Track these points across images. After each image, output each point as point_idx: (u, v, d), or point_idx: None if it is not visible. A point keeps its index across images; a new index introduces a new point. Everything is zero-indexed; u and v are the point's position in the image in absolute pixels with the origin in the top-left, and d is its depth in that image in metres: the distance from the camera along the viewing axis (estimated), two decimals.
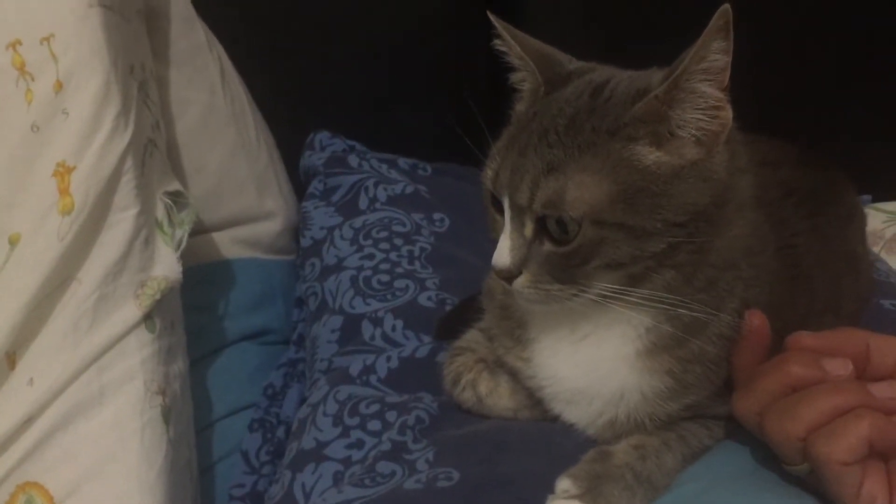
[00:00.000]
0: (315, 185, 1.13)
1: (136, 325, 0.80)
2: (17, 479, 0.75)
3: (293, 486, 0.77)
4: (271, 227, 1.12)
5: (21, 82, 0.79)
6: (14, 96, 0.79)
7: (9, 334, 0.75)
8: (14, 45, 0.79)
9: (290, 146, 1.21)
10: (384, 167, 1.16)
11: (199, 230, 1.02)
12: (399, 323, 0.93)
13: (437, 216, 1.09)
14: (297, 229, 1.13)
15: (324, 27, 1.29)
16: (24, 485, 0.75)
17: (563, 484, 0.65)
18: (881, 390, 0.61)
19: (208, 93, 1.06)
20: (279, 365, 1.05)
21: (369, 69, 1.31)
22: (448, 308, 0.95)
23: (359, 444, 0.78)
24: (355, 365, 0.88)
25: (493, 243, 0.67)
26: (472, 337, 0.82)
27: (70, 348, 0.77)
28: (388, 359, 0.88)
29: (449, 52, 1.34)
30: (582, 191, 0.62)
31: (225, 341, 1.03)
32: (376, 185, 1.10)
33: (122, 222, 0.81)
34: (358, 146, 1.19)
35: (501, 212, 0.67)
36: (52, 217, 0.77)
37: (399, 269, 0.99)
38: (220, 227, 1.07)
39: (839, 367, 0.62)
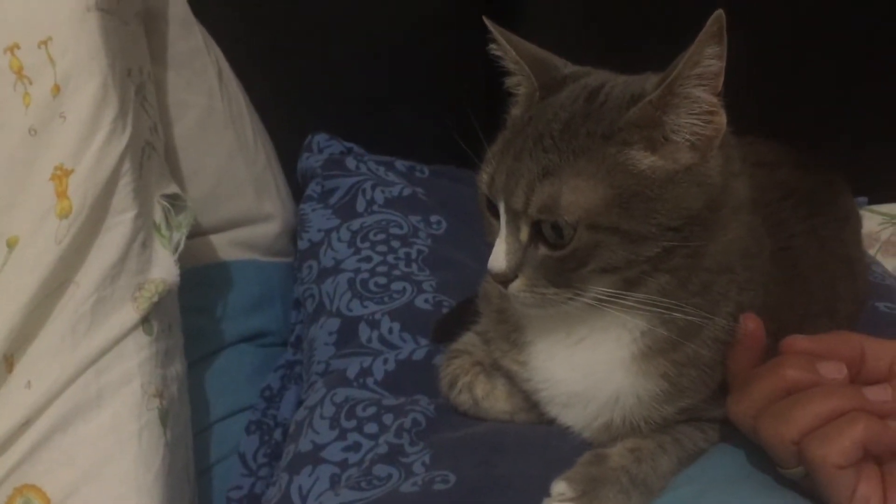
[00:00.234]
0: (313, 188, 1.13)
1: (133, 328, 0.80)
2: (15, 482, 0.75)
3: (290, 489, 0.77)
4: (269, 230, 1.12)
5: (19, 86, 0.79)
6: (12, 100, 0.79)
7: (6, 337, 0.75)
8: (12, 48, 0.79)
9: (287, 148, 1.21)
10: (381, 169, 1.16)
11: (197, 232, 1.02)
12: (396, 325, 0.93)
13: (434, 219, 1.09)
14: (294, 231, 1.13)
15: (322, 29, 1.29)
16: (22, 487, 0.75)
17: (559, 487, 0.65)
18: (875, 394, 0.61)
19: (206, 95, 1.06)
20: (276, 367, 1.05)
21: (367, 71, 1.31)
22: (445, 310, 0.95)
23: (355, 447, 0.78)
24: (352, 367, 0.88)
25: (489, 247, 0.67)
26: (468, 340, 0.83)
27: (68, 351, 0.77)
28: (385, 361, 0.88)
29: (447, 54, 1.34)
30: (577, 195, 0.62)
31: (223, 343, 1.03)
32: (374, 187, 1.10)
33: (119, 225, 0.81)
34: (356, 148, 1.19)
35: (497, 216, 0.67)
36: (49, 220, 0.77)
37: (396, 272, 0.99)
38: (218, 229, 1.07)
39: (834, 371, 0.62)
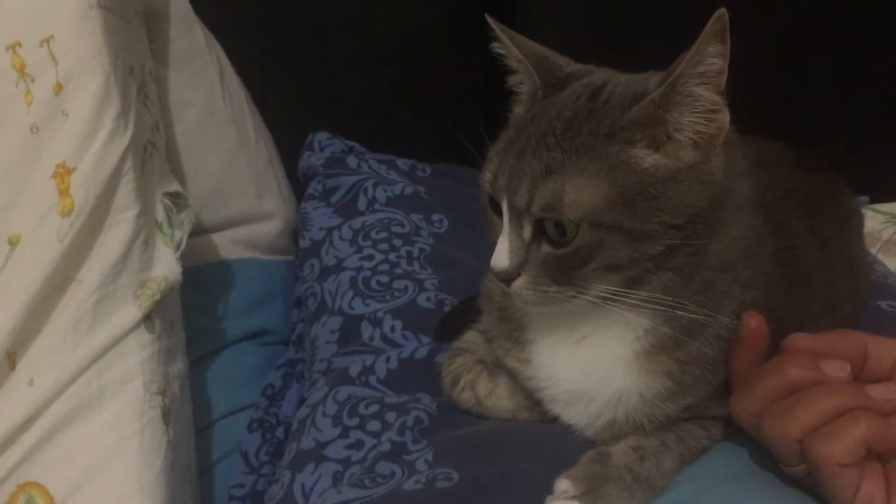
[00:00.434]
0: (314, 186, 1.13)
1: (135, 326, 0.80)
2: (18, 480, 0.75)
3: (293, 487, 0.77)
4: (271, 228, 1.12)
5: (21, 84, 0.79)
6: (14, 98, 0.79)
7: (9, 335, 0.75)
8: (14, 46, 0.79)
9: (289, 147, 1.21)
10: (383, 168, 1.16)
11: (199, 231, 1.02)
12: (398, 324, 0.93)
13: (435, 217, 1.09)
14: (296, 230, 1.13)
15: (323, 28, 1.29)
16: (25, 485, 0.75)
17: (562, 485, 0.65)
18: (878, 392, 0.61)
19: (207, 94, 1.06)
20: (278, 365, 1.05)
21: (368, 70, 1.31)
22: (447, 309, 0.95)
23: (358, 445, 0.78)
24: (354, 365, 0.88)
25: (492, 245, 0.67)
26: (470, 338, 0.83)
27: (70, 349, 0.77)
28: (388, 359, 0.88)
29: (448, 53, 1.34)
30: (580, 193, 0.62)
31: (224, 342, 1.03)
32: (375, 185, 1.10)
33: (121, 223, 0.81)
34: (357, 147, 1.19)
35: (500, 214, 0.67)
36: (51, 218, 0.77)
37: (398, 270, 0.99)
38: (220, 227, 1.07)
39: (837, 369, 0.62)
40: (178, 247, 0.87)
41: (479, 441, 0.75)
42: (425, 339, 0.92)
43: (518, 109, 0.72)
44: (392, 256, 1.01)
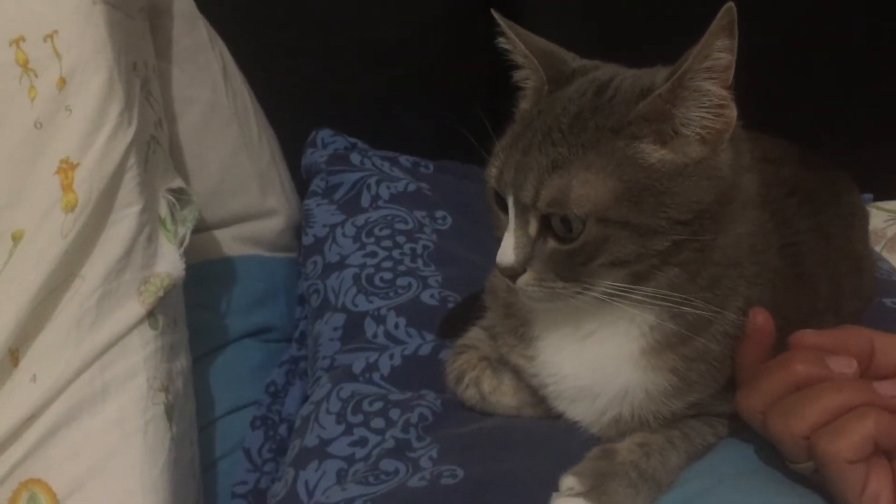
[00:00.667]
0: (317, 183, 1.13)
1: (139, 323, 0.80)
2: (21, 476, 0.75)
3: (296, 484, 0.77)
4: (274, 225, 1.12)
5: (24, 79, 0.79)
6: (17, 93, 0.79)
7: (12, 331, 0.75)
8: (17, 41, 0.79)
9: (291, 144, 1.21)
10: (386, 165, 1.16)
11: (202, 227, 1.02)
12: (402, 321, 0.93)
13: (439, 214, 1.09)
14: (299, 227, 1.13)
15: (326, 25, 1.28)
16: (28, 482, 0.75)
17: (568, 481, 0.65)
18: (886, 388, 0.61)
19: (210, 90, 1.06)
20: (281, 362, 1.05)
21: (371, 67, 1.31)
22: (451, 306, 0.95)
23: (362, 442, 0.78)
24: (358, 363, 0.88)
25: (498, 241, 0.67)
26: (475, 335, 0.82)
27: (73, 345, 0.77)
28: (391, 356, 0.88)
29: (450, 50, 1.34)
30: (586, 189, 0.62)
31: (227, 339, 1.03)
32: (378, 182, 1.10)
33: (125, 219, 0.80)
34: (360, 144, 1.19)
35: (505, 210, 0.67)
36: (55, 214, 0.77)
37: (401, 267, 0.99)
38: (223, 224, 1.07)
39: (844, 366, 0.62)
40: (181, 243, 0.87)
41: (484, 438, 0.75)
42: (429, 336, 0.91)
43: (524, 105, 0.72)
44: (395, 253, 1.00)
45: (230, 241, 1.07)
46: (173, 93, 1.02)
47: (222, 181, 1.06)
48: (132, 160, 0.81)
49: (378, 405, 0.81)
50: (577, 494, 0.64)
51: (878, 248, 1.19)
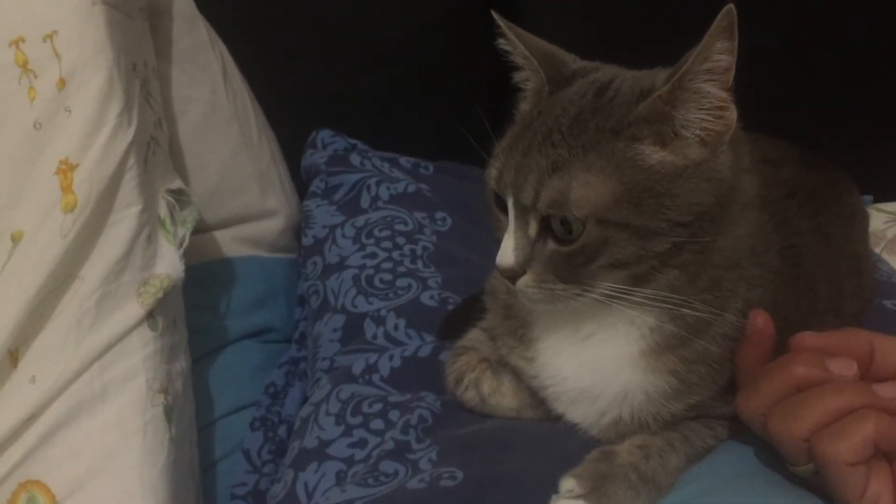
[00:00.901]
0: (317, 184, 1.12)
1: (138, 324, 0.80)
2: (20, 477, 0.74)
3: (295, 485, 0.76)
4: (273, 226, 1.12)
5: (24, 80, 0.79)
6: (17, 94, 0.78)
7: (11, 332, 0.75)
8: (17, 42, 0.79)
9: (291, 144, 1.21)
10: (386, 166, 1.15)
11: (201, 228, 1.01)
12: (401, 322, 0.93)
13: (439, 215, 1.09)
14: (299, 228, 1.13)
15: (325, 26, 1.28)
16: (27, 483, 0.74)
17: (568, 484, 0.65)
18: (886, 391, 0.61)
19: (210, 91, 1.06)
20: (281, 363, 1.04)
21: (371, 68, 1.31)
22: (450, 307, 0.95)
23: (361, 444, 0.78)
24: (357, 364, 0.88)
25: (497, 243, 0.67)
26: (474, 336, 0.82)
27: (72, 346, 0.76)
28: (391, 358, 0.87)
29: (450, 51, 1.34)
30: (586, 190, 0.62)
31: (226, 339, 1.03)
32: (378, 183, 1.09)
33: (124, 220, 0.80)
34: (360, 145, 1.19)
35: (505, 211, 0.67)
36: (54, 215, 0.77)
37: (401, 268, 0.99)
38: (223, 225, 1.07)
39: (844, 368, 0.62)
40: (181, 244, 0.86)
41: (484, 440, 0.74)
42: (428, 338, 0.91)
43: (524, 106, 0.71)
44: (395, 254, 1.00)
45: (230, 242, 1.07)
46: (173, 93, 1.01)
47: (222, 182, 1.06)
48: (132, 161, 0.81)
49: (377, 406, 0.81)
50: (577, 497, 0.64)
51: (877, 250, 1.19)
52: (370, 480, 0.72)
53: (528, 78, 0.71)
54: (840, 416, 0.59)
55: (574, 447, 0.71)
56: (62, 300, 0.77)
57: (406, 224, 1.05)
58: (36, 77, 0.79)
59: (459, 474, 0.70)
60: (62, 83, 0.79)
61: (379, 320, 0.93)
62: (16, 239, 0.77)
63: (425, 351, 0.88)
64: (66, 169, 0.78)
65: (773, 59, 1.19)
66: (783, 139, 0.91)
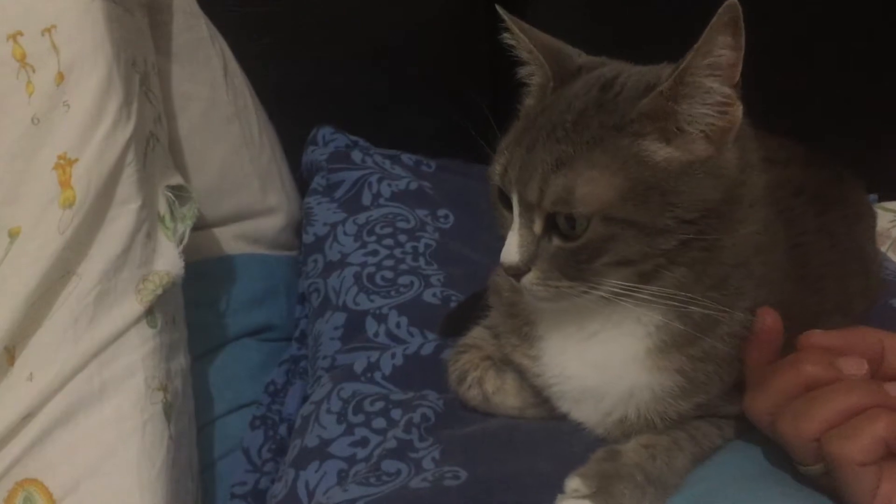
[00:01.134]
0: (318, 181, 1.12)
1: (137, 321, 0.79)
2: (16, 476, 0.74)
3: (296, 484, 0.76)
4: (274, 223, 1.11)
5: (22, 74, 0.78)
6: (15, 88, 0.78)
7: (8, 329, 0.74)
8: (15, 36, 0.78)
9: (292, 141, 1.20)
10: (388, 163, 1.15)
11: (201, 225, 1.01)
12: (403, 320, 0.92)
13: (441, 212, 1.08)
14: (299, 225, 1.12)
15: (327, 22, 1.28)
16: (23, 482, 0.74)
17: (573, 483, 0.64)
18: None
19: (211, 87, 1.05)
20: (281, 362, 1.04)
21: (372, 65, 1.30)
22: (453, 305, 0.94)
23: (363, 442, 0.77)
24: (359, 362, 0.87)
25: (502, 239, 0.66)
26: (477, 334, 0.82)
27: (70, 343, 0.76)
28: (393, 356, 0.87)
29: (452, 49, 1.33)
30: (591, 187, 0.61)
31: (226, 338, 1.02)
32: (380, 180, 1.09)
33: (123, 216, 0.80)
34: (361, 142, 1.18)
35: (510, 208, 0.66)
36: (52, 210, 0.76)
37: (403, 266, 0.98)
38: (222, 222, 1.06)
39: (854, 367, 0.61)
40: (180, 241, 0.86)
41: (487, 439, 0.74)
42: (431, 336, 0.90)
43: (528, 101, 0.71)
44: (397, 252, 1.00)
45: (230, 239, 1.06)
46: (173, 89, 1.01)
47: (222, 178, 1.05)
48: (131, 156, 0.80)
49: (379, 405, 0.81)
50: (583, 496, 0.63)
51: (883, 249, 1.18)
52: (372, 480, 0.72)
53: (533, 73, 0.71)
54: (850, 416, 0.58)
55: (578, 446, 0.70)
56: (60, 297, 0.76)
57: (408, 221, 1.04)
58: (34, 71, 0.78)
59: (463, 474, 0.69)
60: (61, 78, 0.78)
61: (380, 318, 0.92)
62: (13, 235, 0.77)
63: (427, 349, 0.88)
64: (65, 164, 0.77)
65: (777, 57, 1.19)
66: (789, 138, 0.90)
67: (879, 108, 1.30)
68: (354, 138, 1.18)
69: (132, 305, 0.79)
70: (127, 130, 0.80)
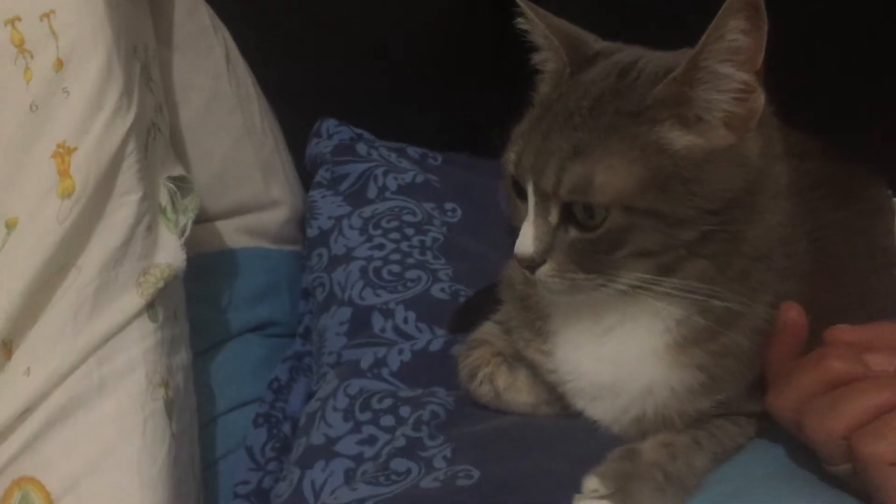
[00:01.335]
0: (322, 174, 1.10)
1: (137, 315, 0.78)
2: (13, 474, 0.72)
3: (302, 484, 0.74)
4: (277, 216, 1.09)
5: (20, 60, 0.77)
6: (12, 75, 0.77)
7: (5, 322, 0.73)
8: (13, 21, 0.77)
9: (295, 134, 1.18)
10: (393, 156, 1.13)
11: (203, 218, 0.99)
12: (411, 315, 0.90)
13: (448, 206, 1.06)
14: (303, 219, 1.10)
15: (330, 14, 1.25)
16: (20, 480, 0.72)
17: (592, 483, 0.62)
18: None
19: (213, 78, 1.03)
20: (285, 358, 1.02)
21: (376, 58, 1.28)
22: (462, 299, 0.92)
23: (371, 441, 0.76)
24: (366, 358, 0.85)
25: (516, 231, 0.64)
26: (488, 329, 0.80)
27: (69, 337, 0.74)
28: (400, 352, 0.85)
29: (457, 43, 1.32)
30: (610, 175, 0.60)
31: (228, 333, 1.00)
32: (385, 173, 1.07)
33: (124, 207, 0.78)
34: (366, 135, 1.16)
35: (524, 198, 0.64)
36: (51, 200, 0.74)
37: (410, 260, 0.96)
38: (225, 215, 1.04)
39: (884, 363, 0.59)
40: (182, 233, 0.84)
41: (500, 437, 0.72)
42: (439, 332, 0.89)
43: (543, 89, 0.69)
44: (404, 246, 0.98)
45: (232, 233, 1.04)
46: (174, 79, 0.99)
47: (224, 171, 1.03)
48: (132, 146, 0.79)
49: (387, 402, 0.79)
50: (602, 497, 0.61)
51: None
52: (381, 479, 0.70)
53: (547, 59, 0.69)
54: (881, 414, 0.56)
55: (594, 445, 0.68)
56: (59, 290, 0.75)
57: (415, 215, 1.02)
58: (32, 57, 0.77)
59: (476, 473, 0.67)
60: (60, 64, 0.77)
61: (387, 313, 0.91)
62: (10, 225, 0.75)
63: (436, 345, 0.86)
64: (64, 153, 0.76)
65: (794, 47, 1.17)
66: (806, 132, 0.88)
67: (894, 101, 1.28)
68: (359, 131, 1.16)
69: (133, 299, 0.77)
70: (128, 119, 0.79)
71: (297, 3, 1.24)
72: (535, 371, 0.74)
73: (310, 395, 0.89)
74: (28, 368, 0.73)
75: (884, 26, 1.25)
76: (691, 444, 0.66)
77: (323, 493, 0.72)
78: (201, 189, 0.89)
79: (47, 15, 0.76)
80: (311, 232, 1.04)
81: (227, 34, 1.08)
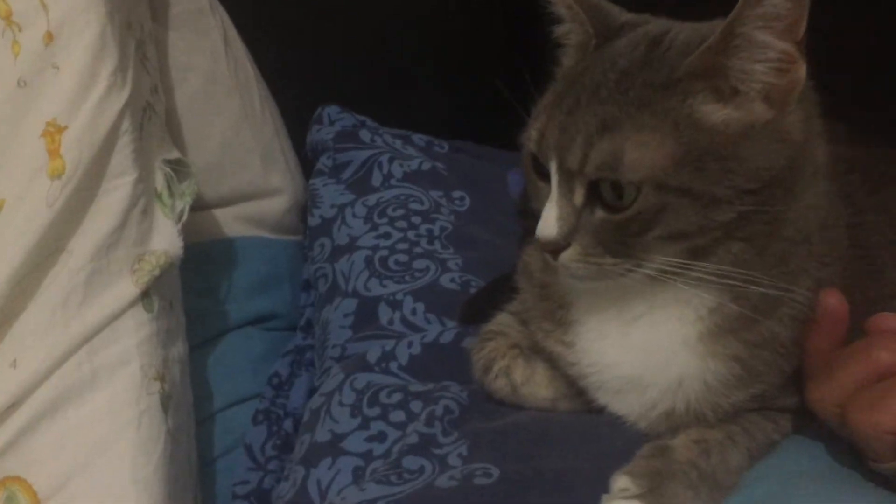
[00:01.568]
0: (323, 162, 1.06)
1: (132, 304, 0.75)
2: None
3: (307, 483, 0.70)
4: (277, 205, 1.05)
5: (7, 33, 0.74)
6: None
7: None
8: None
9: (295, 121, 1.14)
10: (398, 143, 1.09)
11: (201, 206, 0.95)
12: (420, 306, 0.86)
13: (456, 194, 1.03)
14: (304, 207, 1.07)
15: (330, 3, 1.22)
16: (5, 480, 0.69)
17: (622, 482, 0.59)
18: None
19: (210, 59, 1.00)
20: (285, 352, 0.98)
21: (380, 43, 1.25)
22: (473, 290, 0.89)
23: (380, 437, 0.72)
24: (372, 351, 0.81)
25: (537, 213, 0.61)
26: (503, 320, 0.76)
27: (59, 327, 0.71)
28: (410, 344, 0.81)
29: (463, 28, 1.29)
30: (642, 152, 0.56)
31: (227, 326, 0.96)
32: (391, 160, 1.03)
33: (118, 189, 0.75)
34: (368, 121, 1.12)
35: (546, 177, 0.61)
36: (40, 181, 0.71)
37: (418, 249, 0.93)
38: (223, 202, 1.00)
39: None
40: (179, 218, 0.81)
41: (518, 434, 0.68)
42: (450, 323, 0.85)
43: (566, 62, 0.67)
44: (411, 235, 0.94)
45: (231, 221, 1.01)
46: (171, 60, 0.96)
47: (223, 156, 1.00)
48: (126, 125, 0.76)
49: (397, 397, 0.75)
50: (633, 497, 0.58)
51: None
52: (393, 478, 0.66)
53: (570, 32, 0.66)
54: None
55: (618, 442, 0.65)
56: (48, 276, 0.72)
57: (422, 203, 0.98)
58: (20, 30, 0.74)
59: (495, 471, 0.64)
60: (49, 37, 0.74)
61: (395, 304, 0.87)
62: None
63: (447, 337, 0.82)
64: (54, 131, 0.73)
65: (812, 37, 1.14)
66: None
67: None
68: (362, 118, 1.12)
69: (127, 287, 0.74)
70: (122, 96, 0.75)
71: None
72: (554, 364, 0.71)
73: (312, 391, 0.86)
74: (14, 360, 0.70)
75: None
76: (725, 441, 0.62)
77: (329, 492, 0.68)
78: (199, 174, 0.86)
79: None
80: (313, 221, 1.01)
81: (224, 15, 1.05)
